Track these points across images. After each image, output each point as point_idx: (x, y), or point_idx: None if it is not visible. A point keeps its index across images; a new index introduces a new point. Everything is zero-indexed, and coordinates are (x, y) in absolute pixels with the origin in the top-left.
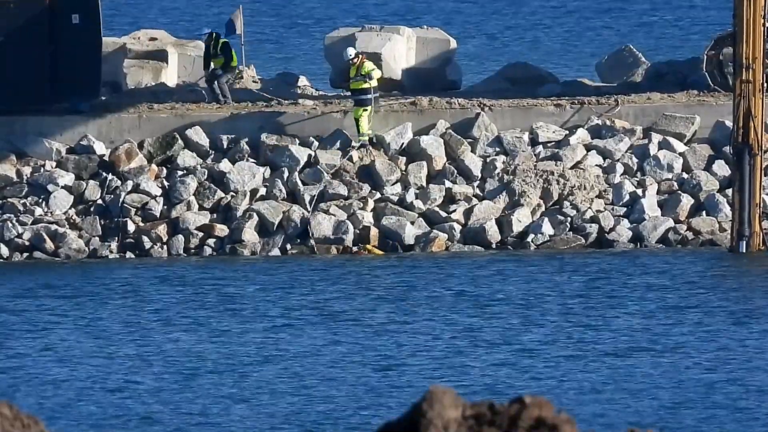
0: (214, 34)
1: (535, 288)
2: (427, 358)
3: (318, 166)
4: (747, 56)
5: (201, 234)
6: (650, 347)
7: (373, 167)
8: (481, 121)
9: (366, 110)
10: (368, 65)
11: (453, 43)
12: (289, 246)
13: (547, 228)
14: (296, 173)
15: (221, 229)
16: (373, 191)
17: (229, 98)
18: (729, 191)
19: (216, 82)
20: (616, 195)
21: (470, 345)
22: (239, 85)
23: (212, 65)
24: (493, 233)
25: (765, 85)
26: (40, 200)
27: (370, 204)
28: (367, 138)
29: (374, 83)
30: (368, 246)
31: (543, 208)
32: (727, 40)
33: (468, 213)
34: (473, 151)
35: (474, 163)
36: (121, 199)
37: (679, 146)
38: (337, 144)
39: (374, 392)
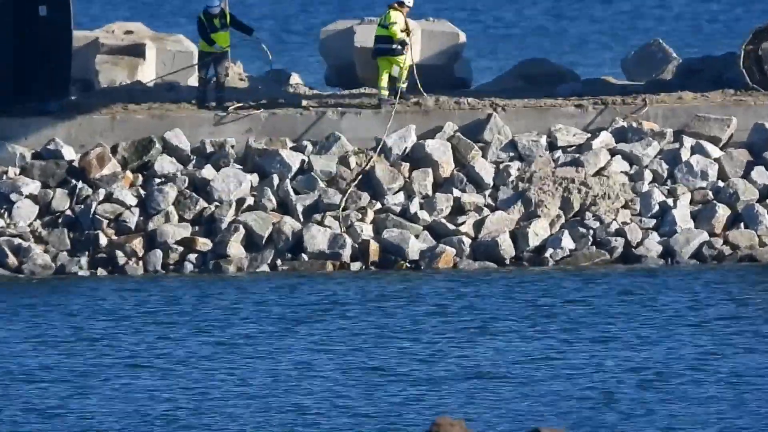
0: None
1: (557, 307)
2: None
3: (312, 173)
4: None
5: (181, 248)
6: (692, 373)
7: (372, 174)
8: (494, 123)
9: (389, 61)
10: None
11: (462, 37)
12: (279, 261)
13: (567, 242)
14: (288, 181)
15: (204, 243)
16: (373, 201)
17: (224, 93)
18: None
19: (216, 71)
20: (644, 205)
21: (498, 369)
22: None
23: (215, 44)
24: (507, 247)
25: None
26: (2, 211)
27: (370, 215)
28: (385, 93)
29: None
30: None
31: (562, 220)
32: (766, 34)
33: (478, 225)
34: (484, 156)
35: (485, 170)
36: (92, 210)
37: (714, 151)
38: (333, 148)
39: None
